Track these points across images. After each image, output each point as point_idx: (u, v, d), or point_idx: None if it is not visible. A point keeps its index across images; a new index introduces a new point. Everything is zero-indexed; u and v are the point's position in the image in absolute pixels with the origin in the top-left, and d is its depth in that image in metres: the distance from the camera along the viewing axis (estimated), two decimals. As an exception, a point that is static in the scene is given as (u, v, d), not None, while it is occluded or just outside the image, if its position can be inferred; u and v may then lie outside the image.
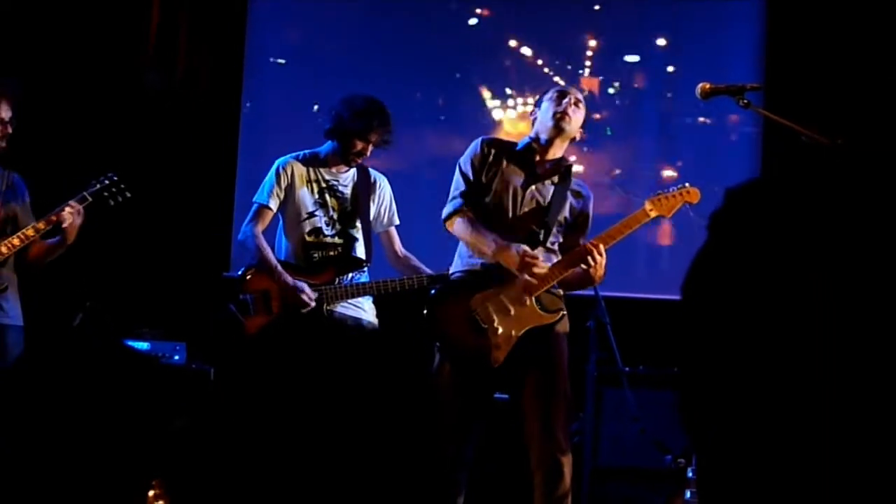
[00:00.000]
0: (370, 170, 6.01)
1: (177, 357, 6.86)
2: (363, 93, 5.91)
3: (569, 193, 5.20)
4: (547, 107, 5.17)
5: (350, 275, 5.80)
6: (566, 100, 5.14)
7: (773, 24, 7.78)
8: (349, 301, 5.78)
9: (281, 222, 5.93)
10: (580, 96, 5.23)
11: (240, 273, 5.87)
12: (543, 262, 4.96)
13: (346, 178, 5.93)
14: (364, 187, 5.93)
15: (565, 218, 5.17)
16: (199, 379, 6.68)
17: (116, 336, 6.72)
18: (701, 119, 7.98)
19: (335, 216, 5.84)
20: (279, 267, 5.72)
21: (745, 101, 4.38)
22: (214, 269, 7.99)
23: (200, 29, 8.31)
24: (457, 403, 5.01)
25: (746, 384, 1.05)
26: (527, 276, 4.92)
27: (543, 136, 5.17)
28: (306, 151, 5.97)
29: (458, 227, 5.10)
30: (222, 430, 6.37)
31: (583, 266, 4.97)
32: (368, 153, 5.82)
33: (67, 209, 5.49)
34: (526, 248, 4.94)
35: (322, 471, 5.89)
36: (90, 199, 5.63)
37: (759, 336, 1.03)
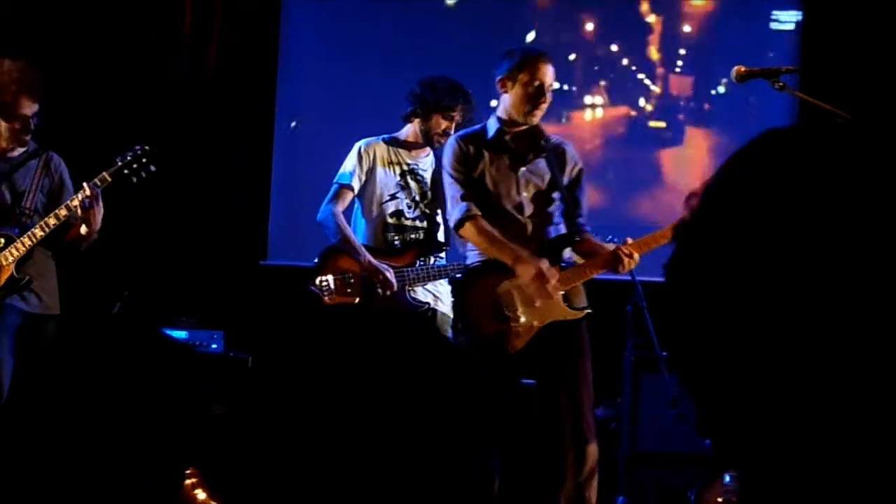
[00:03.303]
0: None
1: (214, 346, 6.89)
2: (439, 74, 5.98)
3: (554, 158, 5.20)
4: (521, 92, 5.10)
5: (431, 258, 5.85)
6: (544, 97, 5.10)
7: (809, 6, 7.71)
8: (427, 288, 5.83)
9: (358, 205, 5.98)
10: (551, 72, 5.15)
11: (319, 255, 5.92)
12: (556, 283, 4.95)
13: (426, 163, 6.01)
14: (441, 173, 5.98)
15: (565, 182, 5.21)
16: (237, 367, 6.71)
17: (154, 325, 6.76)
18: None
19: (417, 199, 5.90)
20: (363, 248, 5.78)
21: (781, 83, 4.36)
22: (251, 257, 8.02)
23: (235, 14, 8.33)
24: (483, 388, 5.03)
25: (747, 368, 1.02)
26: (535, 292, 4.93)
27: (516, 118, 5.14)
28: (386, 135, 6.04)
29: (471, 234, 5.05)
30: (267, 417, 6.40)
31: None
32: (452, 132, 5.85)
33: (76, 198, 5.49)
34: (545, 266, 4.93)
35: (354, 455, 5.92)
36: (109, 179, 5.57)
37: (753, 320, 1.01)
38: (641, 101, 7.97)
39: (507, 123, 5.17)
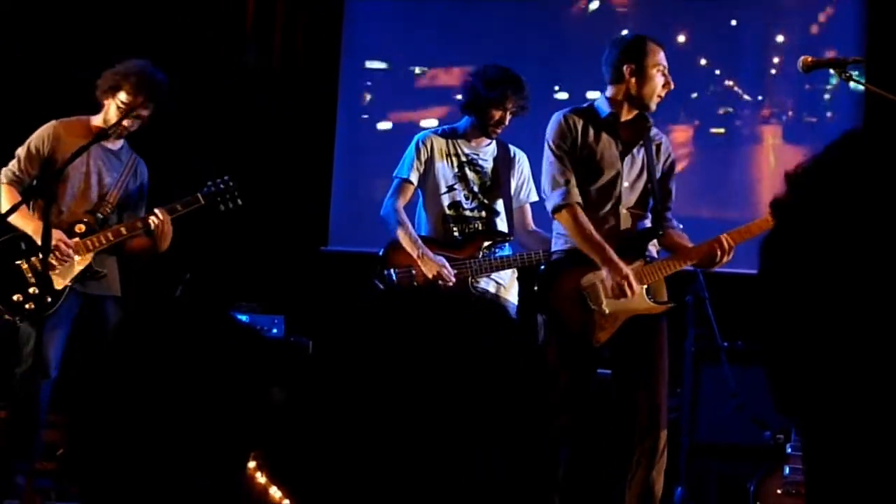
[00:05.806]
0: (509, 145, 6.02)
1: (275, 330, 6.94)
2: (494, 63, 5.93)
3: (653, 148, 5.16)
4: (652, 80, 5.00)
5: (493, 249, 5.84)
6: (670, 82, 5.04)
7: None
8: (492, 276, 5.82)
9: (420, 197, 5.96)
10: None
11: (384, 247, 5.89)
12: (636, 290, 4.93)
13: (487, 153, 5.95)
14: (504, 162, 5.94)
15: (658, 174, 5.18)
16: (298, 352, 6.75)
17: (220, 307, 6.81)
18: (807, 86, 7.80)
19: (475, 189, 5.87)
20: (420, 241, 5.75)
21: (848, 74, 4.33)
22: (312, 243, 8.06)
23: (297, 6, 8.36)
24: (562, 379, 5.02)
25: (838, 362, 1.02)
26: (611, 291, 4.92)
27: (635, 101, 5.06)
28: (445, 126, 6.05)
29: (567, 222, 4.99)
30: (328, 404, 6.42)
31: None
32: (507, 122, 5.82)
33: (152, 217, 5.58)
34: (629, 273, 4.90)
35: (414, 441, 5.93)
36: (203, 201, 5.72)
37: (840, 313, 1.01)
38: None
39: (618, 107, 5.08)
